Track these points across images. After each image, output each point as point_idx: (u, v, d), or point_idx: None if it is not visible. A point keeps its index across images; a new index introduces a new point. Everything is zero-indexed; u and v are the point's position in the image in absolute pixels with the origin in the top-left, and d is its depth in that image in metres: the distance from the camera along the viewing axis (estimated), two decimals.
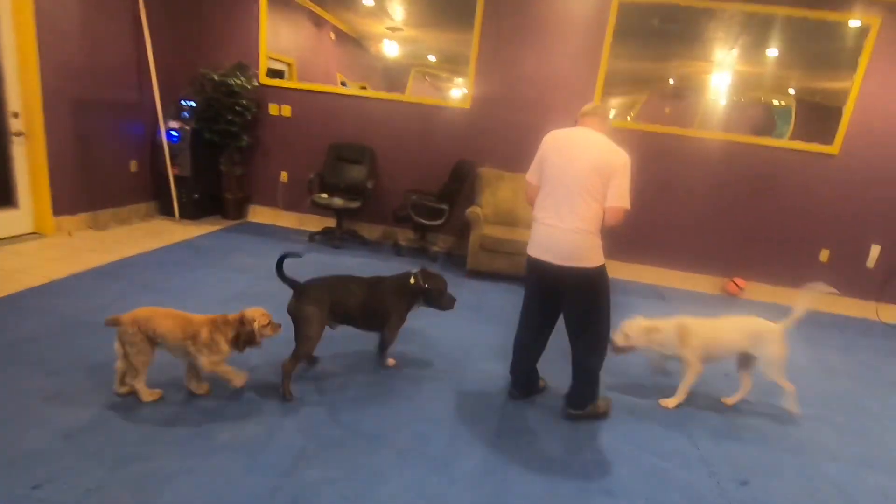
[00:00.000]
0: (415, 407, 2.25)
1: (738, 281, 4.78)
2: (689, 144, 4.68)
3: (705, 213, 4.79)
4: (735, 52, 4.47)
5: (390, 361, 2.62)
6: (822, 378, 3.18)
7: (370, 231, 5.27)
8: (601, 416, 2.35)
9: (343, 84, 5.16)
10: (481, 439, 2.07)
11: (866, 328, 4.36)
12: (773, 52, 4.43)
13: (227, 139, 4.88)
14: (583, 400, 2.30)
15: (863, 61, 4.28)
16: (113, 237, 4.16)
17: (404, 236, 5.13)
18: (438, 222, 4.54)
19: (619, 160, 2.06)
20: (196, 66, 4.86)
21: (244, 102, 4.79)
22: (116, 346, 1.95)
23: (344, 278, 2.43)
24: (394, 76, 5.07)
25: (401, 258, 4.64)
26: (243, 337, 2.03)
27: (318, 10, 5.11)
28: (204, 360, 2.00)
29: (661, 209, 4.82)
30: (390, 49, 5.02)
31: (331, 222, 5.08)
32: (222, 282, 3.47)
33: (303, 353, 2.22)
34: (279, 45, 5.22)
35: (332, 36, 5.36)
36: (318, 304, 2.22)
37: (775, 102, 4.59)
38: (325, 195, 4.70)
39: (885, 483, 2.16)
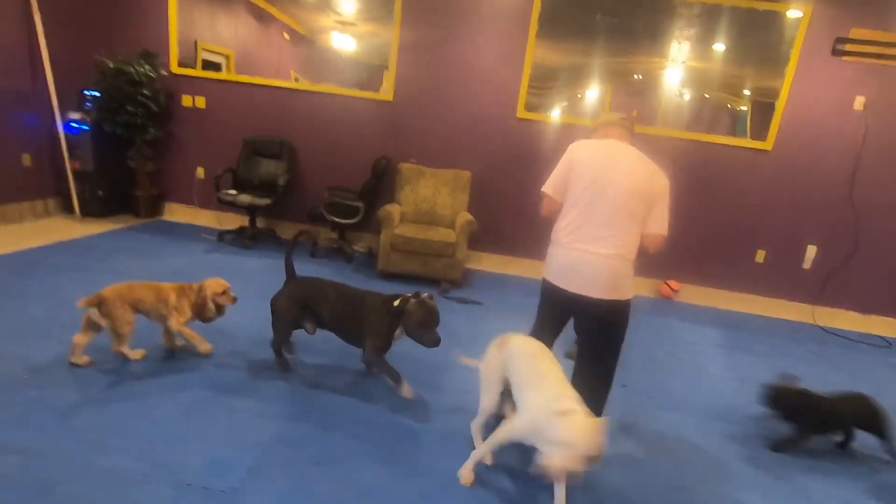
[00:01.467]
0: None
1: (672, 283, 4.56)
2: None
3: None
4: (684, 46, 4.23)
5: (405, 391, 2.25)
6: (730, 387, 2.95)
7: (293, 230, 4.97)
8: None
9: (296, 80, 4.83)
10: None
11: (797, 332, 4.16)
12: (720, 46, 4.21)
13: (131, 132, 4.55)
14: None
15: (794, 54, 4.09)
16: None
17: (326, 235, 4.85)
18: (353, 221, 4.27)
19: (663, 182, 1.92)
20: (98, 53, 4.52)
21: (146, 92, 4.46)
22: (86, 320, 2.19)
23: (324, 282, 2.39)
24: (364, 76, 4.70)
25: (316, 259, 4.36)
26: (199, 302, 2.35)
27: (262, 4, 4.82)
28: (173, 322, 2.31)
29: None
30: (346, 45, 4.68)
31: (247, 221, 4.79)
32: (89, 285, 3.11)
33: (274, 341, 2.40)
34: (217, 36, 4.95)
35: (287, 36, 5.08)
36: (288, 300, 2.32)
37: (738, 107, 4.37)
38: (233, 192, 4.40)
39: None
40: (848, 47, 4.03)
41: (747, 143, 4.31)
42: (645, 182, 1.88)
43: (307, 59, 4.90)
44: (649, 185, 1.88)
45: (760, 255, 4.50)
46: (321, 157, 4.80)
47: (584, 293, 1.86)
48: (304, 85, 4.74)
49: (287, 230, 4.95)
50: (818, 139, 4.22)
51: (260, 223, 4.82)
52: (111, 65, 4.30)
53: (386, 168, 4.35)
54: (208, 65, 4.97)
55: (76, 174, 4.54)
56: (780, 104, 4.19)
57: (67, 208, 4.69)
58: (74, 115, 4.50)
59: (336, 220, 4.26)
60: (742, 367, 3.25)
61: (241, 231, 4.58)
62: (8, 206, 4.27)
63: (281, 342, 2.40)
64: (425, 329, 2.13)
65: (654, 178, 1.90)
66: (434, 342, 2.12)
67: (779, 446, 2.30)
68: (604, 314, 1.90)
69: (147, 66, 4.48)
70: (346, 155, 4.73)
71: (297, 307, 2.29)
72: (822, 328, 4.35)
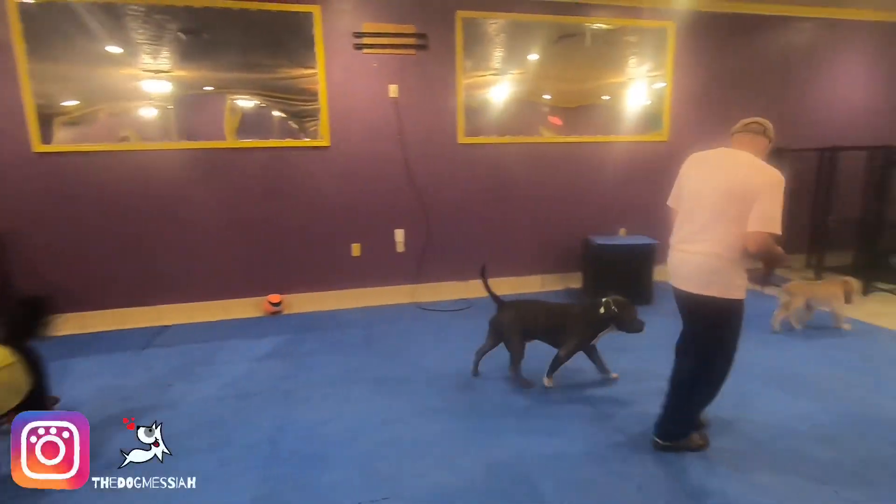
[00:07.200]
0: None
1: (272, 298, 4.32)
2: (181, 158, 4.07)
3: (222, 230, 4.23)
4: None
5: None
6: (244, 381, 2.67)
7: None
8: (694, 448, 2.16)
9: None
10: None
11: (382, 314, 4.24)
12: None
13: None
14: (670, 432, 2.15)
15: (319, 51, 4.15)
16: None
17: None
18: None
19: (764, 179, 1.87)
20: None
21: None
22: None
23: (533, 303, 2.84)
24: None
25: None
26: None
27: None
28: None
29: (167, 236, 4.11)
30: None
31: None
32: None
33: (514, 357, 2.76)
34: None
35: None
36: (516, 328, 2.73)
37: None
38: None
39: None
40: (365, 41, 4.24)
41: (306, 142, 4.28)
42: (737, 180, 1.90)
43: None
44: (744, 181, 1.89)
45: (356, 249, 4.52)
46: None
47: (683, 288, 2.04)
48: None
49: None
50: (369, 130, 4.36)
51: None
52: None
53: None
54: None
55: None
56: (322, 101, 4.23)
57: None
58: None
59: None
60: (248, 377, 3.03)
61: None
62: None
63: (519, 362, 2.76)
64: (633, 320, 2.66)
65: (751, 174, 1.90)
66: (642, 327, 2.66)
67: None
68: (693, 307, 2.04)
69: None
70: None
71: (522, 328, 2.73)
72: (419, 305, 4.51)
